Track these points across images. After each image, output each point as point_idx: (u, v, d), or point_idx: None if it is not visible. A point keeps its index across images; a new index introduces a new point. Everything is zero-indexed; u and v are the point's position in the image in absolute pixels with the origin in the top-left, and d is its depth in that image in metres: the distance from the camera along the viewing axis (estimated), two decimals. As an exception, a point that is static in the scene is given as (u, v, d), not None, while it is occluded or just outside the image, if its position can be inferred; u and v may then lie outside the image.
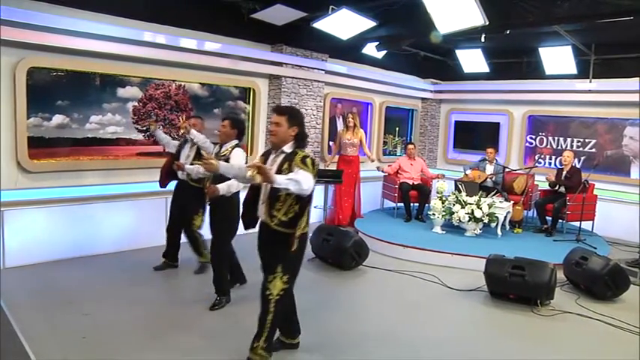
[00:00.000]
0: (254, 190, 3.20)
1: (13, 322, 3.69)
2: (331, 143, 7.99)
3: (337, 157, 7.69)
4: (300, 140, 3.12)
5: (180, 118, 5.12)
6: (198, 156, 4.74)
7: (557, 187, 7.18)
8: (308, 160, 2.97)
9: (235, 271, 4.65)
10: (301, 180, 2.80)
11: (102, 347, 3.43)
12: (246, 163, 4.00)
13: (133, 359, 3.33)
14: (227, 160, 4.00)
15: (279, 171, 2.97)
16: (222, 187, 3.90)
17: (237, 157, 4.09)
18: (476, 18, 4.72)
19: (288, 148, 3.08)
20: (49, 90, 5.10)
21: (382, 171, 7.88)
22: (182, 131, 4.92)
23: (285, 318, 3.34)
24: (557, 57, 7.38)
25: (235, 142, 4.24)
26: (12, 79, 4.81)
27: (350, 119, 7.52)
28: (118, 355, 3.34)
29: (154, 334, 3.67)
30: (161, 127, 5.40)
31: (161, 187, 5.12)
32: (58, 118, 5.21)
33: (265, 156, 3.22)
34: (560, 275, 4.97)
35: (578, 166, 7.86)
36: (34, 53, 4.92)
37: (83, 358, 3.29)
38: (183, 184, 4.95)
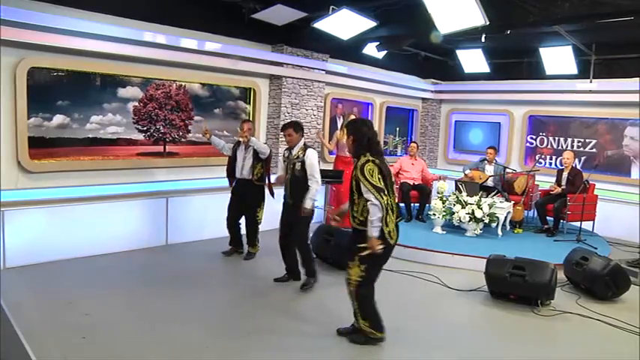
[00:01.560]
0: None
1: (13, 321, 3.69)
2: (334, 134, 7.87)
3: (334, 157, 7.68)
4: (362, 146, 3.44)
5: (203, 125, 5.86)
6: (257, 158, 5.37)
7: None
8: (366, 170, 3.32)
9: (295, 268, 4.95)
10: (374, 212, 3.26)
11: (102, 347, 3.42)
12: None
13: (133, 359, 3.33)
14: (302, 163, 4.47)
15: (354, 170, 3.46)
16: (310, 204, 4.50)
17: (313, 157, 4.47)
18: (476, 18, 4.73)
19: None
20: (49, 90, 5.11)
21: None
22: (207, 136, 5.55)
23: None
24: (558, 57, 7.37)
25: (303, 142, 4.64)
26: (12, 79, 4.81)
27: (352, 117, 7.45)
28: (118, 356, 3.34)
29: (154, 334, 3.67)
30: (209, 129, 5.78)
31: (231, 186, 5.68)
32: (58, 118, 5.21)
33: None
34: (561, 275, 4.96)
35: (578, 166, 7.85)
36: (35, 53, 4.93)
37: (83, 358, 3.28)
38: (242, 181, 5.48)
